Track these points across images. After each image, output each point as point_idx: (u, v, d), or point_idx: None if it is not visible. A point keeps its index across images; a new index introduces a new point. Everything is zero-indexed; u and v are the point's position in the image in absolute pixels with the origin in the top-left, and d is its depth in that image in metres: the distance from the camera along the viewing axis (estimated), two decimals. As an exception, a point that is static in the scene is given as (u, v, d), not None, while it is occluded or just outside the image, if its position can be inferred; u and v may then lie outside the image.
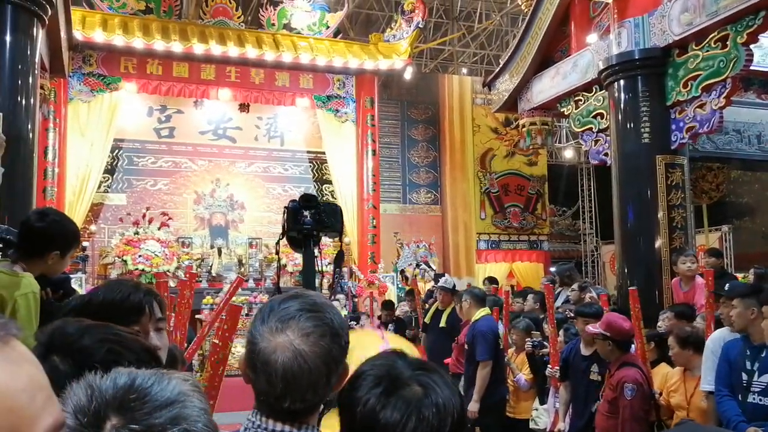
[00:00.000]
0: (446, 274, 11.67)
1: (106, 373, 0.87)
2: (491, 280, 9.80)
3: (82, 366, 1.12)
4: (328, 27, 14.20)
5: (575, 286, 7.41)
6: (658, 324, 5.55)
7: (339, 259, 3.32)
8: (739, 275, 8.64)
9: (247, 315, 11.39)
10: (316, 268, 3.09)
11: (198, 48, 12.59)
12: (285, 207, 3.00)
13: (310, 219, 2.92)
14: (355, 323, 9.78)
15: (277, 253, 3.41)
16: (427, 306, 8.56)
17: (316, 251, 3.08)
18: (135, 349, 1.21)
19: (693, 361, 4.64)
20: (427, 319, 7.93)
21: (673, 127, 7.46)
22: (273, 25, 13.89)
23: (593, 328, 4.77)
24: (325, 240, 3.65)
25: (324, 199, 14.64)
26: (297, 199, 3.03)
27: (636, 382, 4.55)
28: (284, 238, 3.15)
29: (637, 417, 4.56)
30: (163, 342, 1.82)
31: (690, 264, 6.52)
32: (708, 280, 5.13)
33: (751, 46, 6.83)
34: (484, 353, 5.99)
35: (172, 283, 9.63)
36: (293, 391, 1.34)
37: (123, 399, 0.83)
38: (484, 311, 6.31)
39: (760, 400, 3.86)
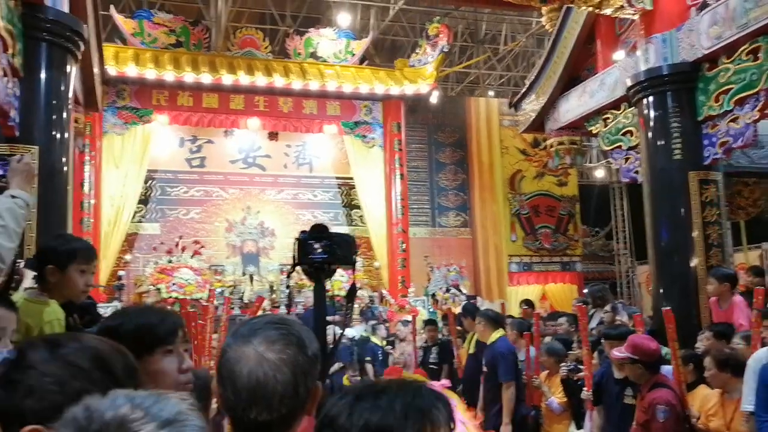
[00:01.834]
0: (478, 297, 11.58)
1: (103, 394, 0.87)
2: (527, 303, 9.67)
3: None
4: (353, 54, 14.33)
5: (608, 307, 7.29)
6: (696, 345, 5.42)
7: (351, 294, 3.21)
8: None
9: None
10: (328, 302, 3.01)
11: (227, 79, 12.79)
12: (296, 238, 2.92)
13: (321, 251, 2.82)
14: (390, 347, 9.71)
15: (288, 287, 3.34)
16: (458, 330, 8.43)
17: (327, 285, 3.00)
18: (121, 353, 1.23)
19: (731, 383, 4.50)
20: (471, 349, 7.33)
21: (706, 142, 7.33)
22: (299, 54, 14.05)
23: (618, 353, 4.66)
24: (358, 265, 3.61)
25: (353, 223, 14.68)
26: (307, 230, 2.94)
27: (669, 404, 4.43)
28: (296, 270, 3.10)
29: None
30: (188, 364, 1.83)
31: (709, 286, 6.38)
32: (758, 298, 5.00)
33: (784, 58, 6.72)
34: (506, 373, 6.00)
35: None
36: (259, 400, 1.33)
37: (122, 420, 0.82)
38: (499, 332, 6.35)
39: (801, 424, 3.74)
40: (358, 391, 1.18)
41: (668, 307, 5.36)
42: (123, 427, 0.82)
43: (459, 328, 8.48)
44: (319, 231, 2.86)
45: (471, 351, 7.18)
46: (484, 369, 6.35)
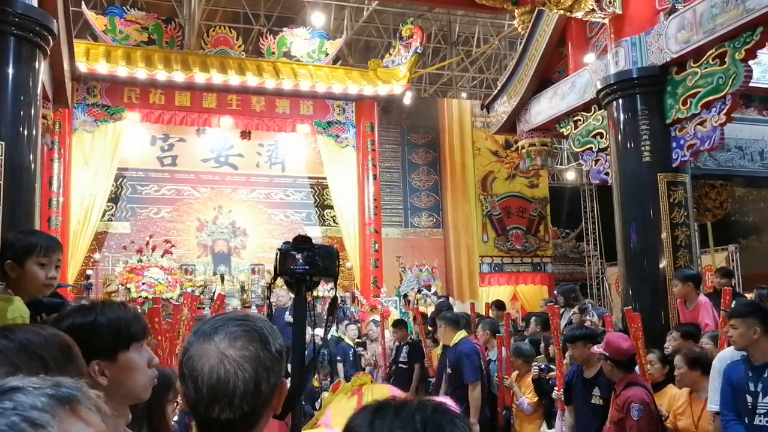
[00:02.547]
0: (450, 297, 11.62)
1: None
2: (498, 305, 9.70)
3: None
4: (327, 54, 14.31)
5: (576, 308, 7.36)
6: (665, 345, 5.50)
7: (333, 307, 3.20)
8: (748, 295, 8.58)
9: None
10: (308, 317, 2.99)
11: (199, 77, 12.70)
12: (278, 249, 2.90)
13: (302, 262, 2.79)
14: (361, 348, 9.70)
15: (268, 298, 3.31)
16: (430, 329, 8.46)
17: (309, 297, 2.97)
18: (53, 341, 1.24)
19: (700, 382, 4.56)
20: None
21: (674, 144, 7.44)
22: (273, 53, 14.00)
23: (598, 348, 4.73)
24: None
25: (326, 224, 14.65)
26: (289, 241, 2.93)
27: (643, 402, 4.49)
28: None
29: None
30: (155, 360, 1.83)
31: (674, 288, 6.48)
32: (725, 299, 5.08)
33: (750, 63, 6.84)
34: (472, 374, 6.12)
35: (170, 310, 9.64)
36: (220, 398, 1.31)
37: None
38: (461, 334, 6.47)
39: (767, 422, 3.80)
40: (378, 405, 1.19)
41: (629, 308, 5.46)
42: None
43: (430, 328, 8.52)
44: (301, 242, 2.84)
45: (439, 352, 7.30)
46: (448, 371, 6.44)
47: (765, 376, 3.84)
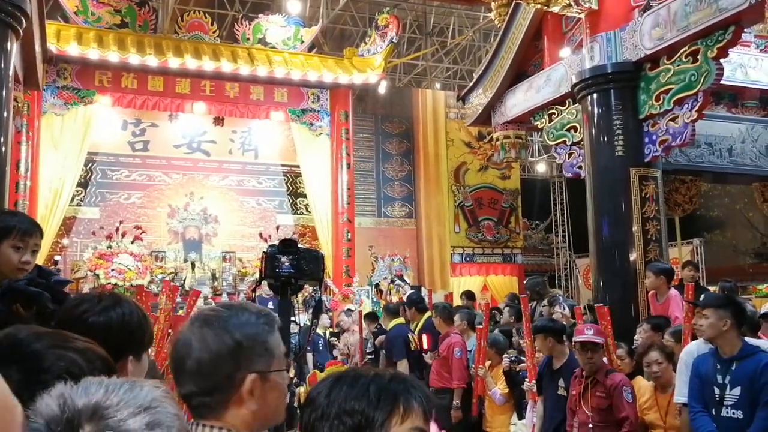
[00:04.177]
0: (421, 287, 11.67)
1: (73, 382, 0.86)
2: (468, 295, 9.77)
3: (31, 372, 1.11)
4: (302, 42, 14.24)
5: (545, 301, 7.44)
6: (635, 337, 5.58)
7: (318, 310, 3.20)
8: (711, 288, 8.75)
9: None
10: (293, 319, 2.97)
11: (173, 62, 12.56)
12: (264, 252, 2.88)
13: (288, 266, 2.78)
14: (335, 339, 9.70)
15: (253, 300, 3.29)
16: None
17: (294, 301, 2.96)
18: (91, 357, 1.19)
19: (672, 377, 4.65)
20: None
21: (647, 140, 7.54)
22: (248, 39, 13.89)
23: (592, 335, 4.72)
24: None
25: (299, 212, 14.62)
26: (276, 244, 2.91)
27: (631, 386, 4.59)
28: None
29: (637, 421, 4.58)
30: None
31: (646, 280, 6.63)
32: (688, 292, 5.17)
33: (722, 61, 6.95)
34: (398, 353, 7.24)
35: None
36: (178, 373, 1.42)
37: (96, 407, 0.82)
38: (396, 321, 7.70)
39: (733, 413, 3.86)
40: (336, 377, 1.25)
41: (600, 304, 5.55)
42: (97, 413, 0.81)
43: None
44: (287, 245, 2.82)
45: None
46: (383, 353, 7.66)
47: (733, 368, 3.92)
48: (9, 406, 0.63)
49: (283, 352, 1.49)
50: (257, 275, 3.04)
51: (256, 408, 1.41)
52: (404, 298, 9.49)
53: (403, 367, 7.00)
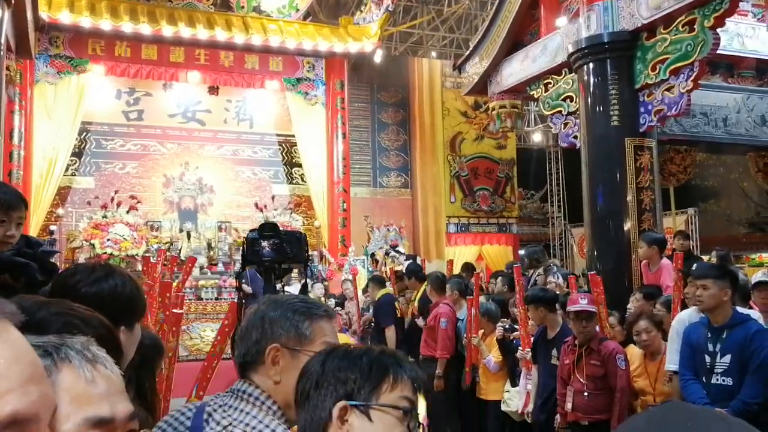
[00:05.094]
0: (417, 257, 11.71)
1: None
2: (468, 267, 9.79)
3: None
4: (297, 10, 14.11)
5: (541, 269, 7.49)
6: (628, 305, 5.64)
7: (303, 293, 3.14)
8: (705, 257, 8.81)
9: (216, 299, 11.43)
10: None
11: (167, 30, 12.45)
12: (244, 237, 2.82)
13: (269, 250, 2.71)
14: (340, 309, 9.71)
15: (239, 289, 3.22)
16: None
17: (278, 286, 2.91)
18: (93, 323, 1.20)
19: (661, 345, 4.73)
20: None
21: (642, 110, 7.54)
22: (242, 7, 13.76)
23: (586, 304, 4.77)
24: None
25: (294, 182, 14.61)
26: (256, 228, 2.84)
27: (624, 353, 4.66)
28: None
29: (629, 388, 4.66)
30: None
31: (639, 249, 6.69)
32: (677, 261, 5.21)
33: (718, 30, 6.92)
34: (386, 321, 7.69)
35: (139, 267, 9.58)
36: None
37: None
38: (384, 290, 8.03)
39: (723, 380, 3.93)
40: (330, 349, 1.35)
41: (593, 272, 5.60)
42: None
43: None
44: (268, 229, 2.75)
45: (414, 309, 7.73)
46: (373, 319, 8.08)
47: (723, 336, 3.98)
48: (36, 360, 0.66)
49: (327, 342, 1.59)
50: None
51: (280, 380, 1.55)
52: (398, 269, 9.58)
53: (391, 332, 7.59)
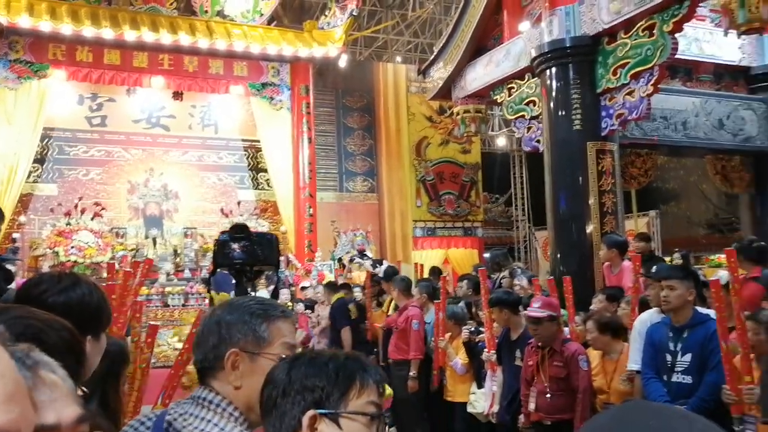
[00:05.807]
0: (384, 261, 11.73)
1: (41, 349, 0.85)
2: (435, 271, 9.83)
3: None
4: (261, 14, 14.08)
5: (506, 272, 7.56)
6: (591, 306, 5.73)
7: (274, 296, 3.14)
8: (667, 258, 8.96)
9: (183, 305, 11.34)
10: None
11: (129, 35, 12.34)
12: (215, 240, 2.79)
13: (240, 252, 2.68)
14: (310, 312, 9.73)
15: (208, 291, 3.20)
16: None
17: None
18: (55, 326, 1.19)
19: (611, 345, 4.82)
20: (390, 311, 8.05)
21: (604, 114, 7.65)
22: (206, 12, 13.69)
23: (536, 313, 4.81)
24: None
25: (260, 187, 14.55)
26: (227, 230, 2.80)
27: (586, 354, 4.73)
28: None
29: (591, 388, 4.72)
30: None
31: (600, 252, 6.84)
32: (635, 264, 5.31)
33: (677, 35, 7.06)
34: (341, 323, 8.08)
35: (104, 274, 9.47)
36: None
37: None
38: (338, 295, 8.50)
39: (683, 378, 4.03)
40: (294, 356, 1.35)
41: (552, 277, 5.69)
42: None
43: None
44: (239, 230, 2.73)
45: (390, 312, 7.78)
46: (329, 322, 8.42)
47: (684, 336, 4.07)
48: (19, 378, 0.66)
49: (286, 343, 1.59)
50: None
51: (240, 386, 1.53)
52: (374, 272, 9.63)
53: (346, 334, 7.98)
